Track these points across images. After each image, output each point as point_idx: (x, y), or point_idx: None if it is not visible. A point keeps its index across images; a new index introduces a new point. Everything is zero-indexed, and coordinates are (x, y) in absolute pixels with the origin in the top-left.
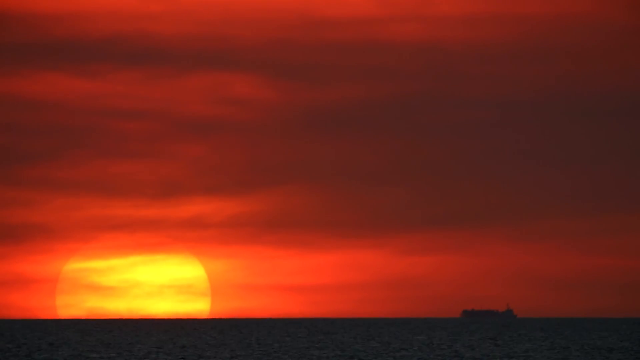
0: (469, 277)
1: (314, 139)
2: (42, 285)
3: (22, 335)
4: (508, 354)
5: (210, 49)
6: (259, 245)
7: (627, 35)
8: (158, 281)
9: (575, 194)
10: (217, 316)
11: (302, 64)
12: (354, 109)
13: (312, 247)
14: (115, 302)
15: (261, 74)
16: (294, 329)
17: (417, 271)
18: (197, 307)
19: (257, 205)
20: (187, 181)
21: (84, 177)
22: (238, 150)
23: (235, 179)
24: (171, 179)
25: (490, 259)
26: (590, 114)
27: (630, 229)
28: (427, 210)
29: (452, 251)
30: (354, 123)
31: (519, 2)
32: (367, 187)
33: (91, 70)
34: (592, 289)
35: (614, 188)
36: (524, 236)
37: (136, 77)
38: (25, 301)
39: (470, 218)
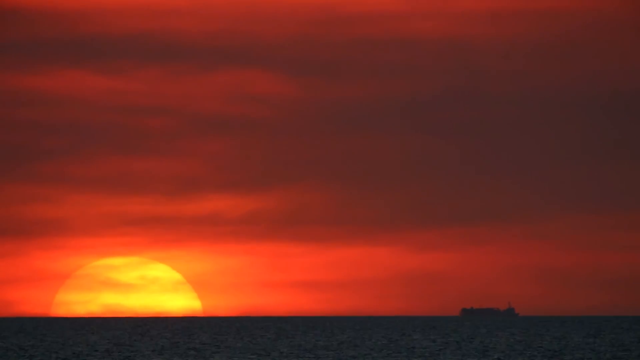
0: (481, 275)
1: (332, 135)
2: (58, 281)
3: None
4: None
5: (233, 45)
6: (275, 242)
7: None
8: (174, 278)
9: (587, 192)
10: (234, 314)
11: (324, 60)
12: (373, 106)
13: (329, 243)
14: (131, 298)
15: (283, 70)
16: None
17: (430, 268)
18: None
19: (274, 202)
20: (204, 178)
21: (102, 174)
22: (256, 147)
23: (252, 176)
24: (189, 175)
25: (503, 256)
26: (608, 111)
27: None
28: (442, 208)
29: (466, 249)
30: (372, 120)
31: None
32: (383, 184)
33: (113, 67)
34: (600, 286)
35: (625, 186)
36: (539, 234)
37: (158, 74)
38: (41, 297)
39: (485, 216)
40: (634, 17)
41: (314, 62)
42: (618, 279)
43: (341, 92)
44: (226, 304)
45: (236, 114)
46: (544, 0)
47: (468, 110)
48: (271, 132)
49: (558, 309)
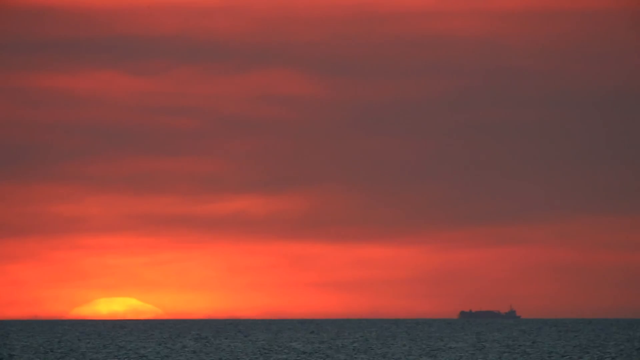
0: (492, 275)
1: (357, 136)
2: (80, 281)
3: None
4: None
5: (266, 46)
6: (298, 242)
7: None
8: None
9: (603, 193)
10: (256, 314)
11: (356, 60)
12: (398, 107)
13: (353, 243)
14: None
15: (315, 71)
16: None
17: (448, 268)
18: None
19: (298, 203)
20: (228, 178)
21: (126, 174)
22: (281, 148)
23: (276, 176)
24: (213, 176)
25: (518, 257)
26: (630, 112)
27: None
28: (464, 208)
29: (488, 248)
30: (396, 121)
31: None
32: (406, 186)
33: (146, 68)
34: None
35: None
36: (555, 234)
37: (190, 75)
38: (64, 296)
39: (507, 216)
40: None
41: (346, 62)
42: (629, 280)
43: (369, 93)
44: (249, 304)
45: (263, 115)
46: (579, 1)
47: (492, 111)
48: (296, 133)
49: (568, 312)
